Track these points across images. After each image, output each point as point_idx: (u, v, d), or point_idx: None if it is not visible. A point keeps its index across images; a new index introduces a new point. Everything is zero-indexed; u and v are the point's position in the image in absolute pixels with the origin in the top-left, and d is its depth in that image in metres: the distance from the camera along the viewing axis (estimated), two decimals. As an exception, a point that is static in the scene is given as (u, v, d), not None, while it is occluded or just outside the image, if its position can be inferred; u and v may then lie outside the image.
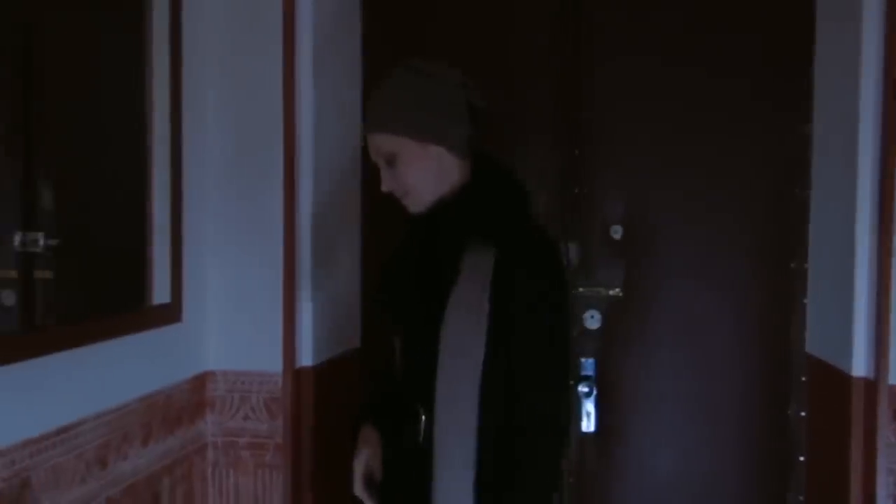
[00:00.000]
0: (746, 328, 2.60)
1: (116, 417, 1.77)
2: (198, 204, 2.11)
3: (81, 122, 1.77)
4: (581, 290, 2.65)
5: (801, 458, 2.54)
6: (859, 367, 2.10)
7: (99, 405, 1.72)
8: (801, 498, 2.54)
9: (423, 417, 1.60)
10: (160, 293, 2.02)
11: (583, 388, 2.61)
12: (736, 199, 2.60)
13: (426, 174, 1.62)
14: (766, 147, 2.57)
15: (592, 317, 2.65)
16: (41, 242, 1.62)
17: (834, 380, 2.22)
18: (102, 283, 1.88)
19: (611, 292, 2.65)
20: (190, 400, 2.09)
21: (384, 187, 1.66)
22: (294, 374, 2.15)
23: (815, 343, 2.47)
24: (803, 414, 2.53)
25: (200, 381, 2.14)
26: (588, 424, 2.62)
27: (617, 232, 2.64)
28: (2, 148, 1.54)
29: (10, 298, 1.61)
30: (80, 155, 1.77)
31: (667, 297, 2.63)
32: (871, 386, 2.05)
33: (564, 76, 2.64)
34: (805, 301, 2.53)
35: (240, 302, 2.17)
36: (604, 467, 2.67)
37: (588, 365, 2.65)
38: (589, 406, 2.62)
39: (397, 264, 1.75)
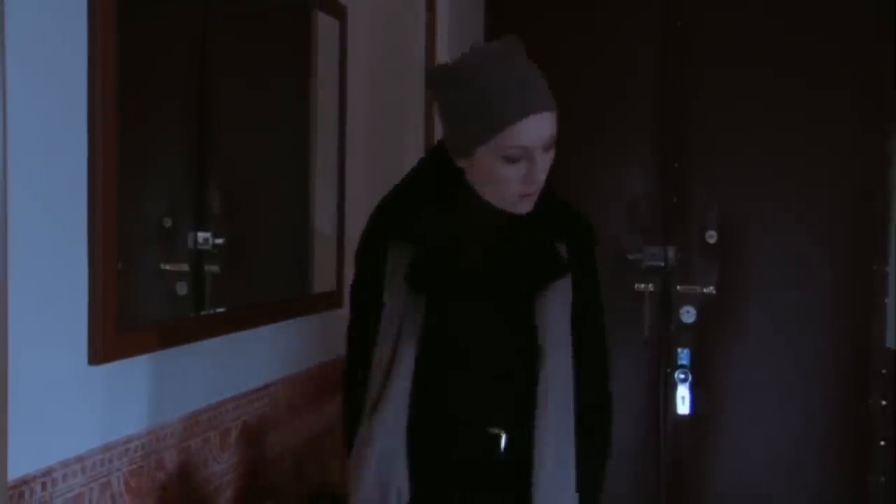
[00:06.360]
0: (831, 325, 2.86)
1: (298, 381, 2.18)
2: (355, 203, 2.50)
3: (248, 133, 2.00)
4: (678, 288, 2.95)
5: (882, 444, 2.79)
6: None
7: (285, 371, 2.12)
8: (883, 479, 2.79)
9: (504, 435, 1.38)
10: (319, 283, 2.41)
11: (679, 375, 2.92)
12: (822, 207, 2.87)
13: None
14: (851, 158, 2.84)
15: (688, 312, 2.95)
16: (210, 241, 1.89)
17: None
18: (265, 275, 2.16)
19: (705, 290, 2.94)
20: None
21: (540, 177, 1.34)
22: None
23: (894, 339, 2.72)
24: (884, 403, 2.78)
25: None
26: (683, 407, 2.92)
27: (712, 237, 2.93)
28: (179, 156, 1.77)
29: (182, 289, 1.84)
30: (245, 163, 2.01)
31: (757, 295, 2.91)
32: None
33: (665, 96, 2.96)
34: (886, 300, 2.78)
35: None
36: (699, 449, 2.96)
37: (683, 355, 2.95)
38: (684, 391, 2.92)
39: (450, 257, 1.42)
